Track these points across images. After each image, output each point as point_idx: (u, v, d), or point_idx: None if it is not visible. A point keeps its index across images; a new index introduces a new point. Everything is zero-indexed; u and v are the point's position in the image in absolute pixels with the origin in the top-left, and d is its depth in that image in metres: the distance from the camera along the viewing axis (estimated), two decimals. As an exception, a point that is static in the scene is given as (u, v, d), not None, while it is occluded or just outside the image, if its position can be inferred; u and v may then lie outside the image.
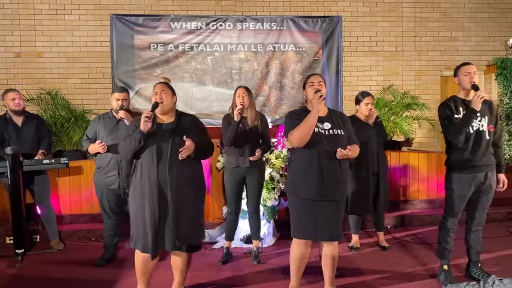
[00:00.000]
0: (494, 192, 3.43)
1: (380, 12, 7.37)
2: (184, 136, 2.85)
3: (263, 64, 7.03)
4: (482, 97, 3.11)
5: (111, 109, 3.94)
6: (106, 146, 3.78)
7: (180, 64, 6.87)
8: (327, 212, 2.93)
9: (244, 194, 4.11)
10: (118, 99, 3.84)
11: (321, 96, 2.89)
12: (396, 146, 4.45)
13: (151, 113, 2.86)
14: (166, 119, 3.01)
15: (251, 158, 3.84)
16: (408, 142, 4.25)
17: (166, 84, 3.08)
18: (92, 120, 4.33)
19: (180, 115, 3.08)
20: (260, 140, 3.96)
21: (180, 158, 2.84)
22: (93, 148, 3.84)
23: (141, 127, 2.83)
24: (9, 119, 4.34)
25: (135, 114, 3.84)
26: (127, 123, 3.73)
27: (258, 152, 3.85)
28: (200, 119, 3.24)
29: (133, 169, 2.98)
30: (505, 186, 3.44)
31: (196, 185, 3.01)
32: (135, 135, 2.86)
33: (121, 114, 3.78)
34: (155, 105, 2.91)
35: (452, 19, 7.56)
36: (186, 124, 3.02)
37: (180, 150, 2.84)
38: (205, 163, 4.85)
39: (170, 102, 2.99)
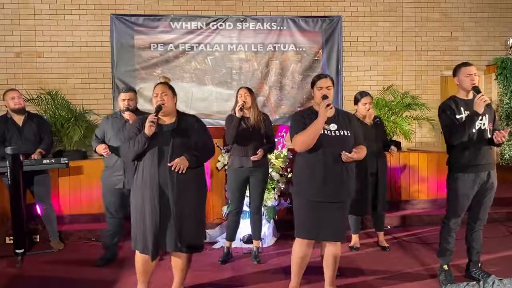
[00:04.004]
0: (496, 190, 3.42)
1: (380, 12, 7.37)
2: (168, 164, 2.84)
3: (263, 64, 7.02)
4: (485, 100, 3.09)
5: (119, 109, 3.94)
6: (109, 152, 3.79)
7: (180, 64, 6.87)
8: (331, 212, 2.92)
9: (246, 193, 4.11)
10: (124, 100, 3.83)
11: (328, 105, 2.86)
12: (388, 146, 4.42)
13: (156, 117, 2.85)
14: (167, 120, 3.00)
15: (252, 158, 3.84)
16: (396, 146, 4.32)
17: (167, 85, 3.04)
18: (101, 120, 4.33)
19: (181, 115, 3.06)
20: (265, 140, 3.96)
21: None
22: (99, 149, 3.86)
23: (146, 131, 2.83)
24: (10, 119, 4.34)
25: (141, 115, 3.83)
26: None
27: (260, 152, 3.85)
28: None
29: (135, 170, 2.98)
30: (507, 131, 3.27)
31: (197, 185, 3.01)
32: (139, 139, 2.85)
33: (127, 115, 3.78)
34: (159, 108, 2.90)
35: (452, 19, 7.55)
36: (187, 124, 3.01)
37: (171, 165, 2.82)
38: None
39: (171, 103, 2.98)
